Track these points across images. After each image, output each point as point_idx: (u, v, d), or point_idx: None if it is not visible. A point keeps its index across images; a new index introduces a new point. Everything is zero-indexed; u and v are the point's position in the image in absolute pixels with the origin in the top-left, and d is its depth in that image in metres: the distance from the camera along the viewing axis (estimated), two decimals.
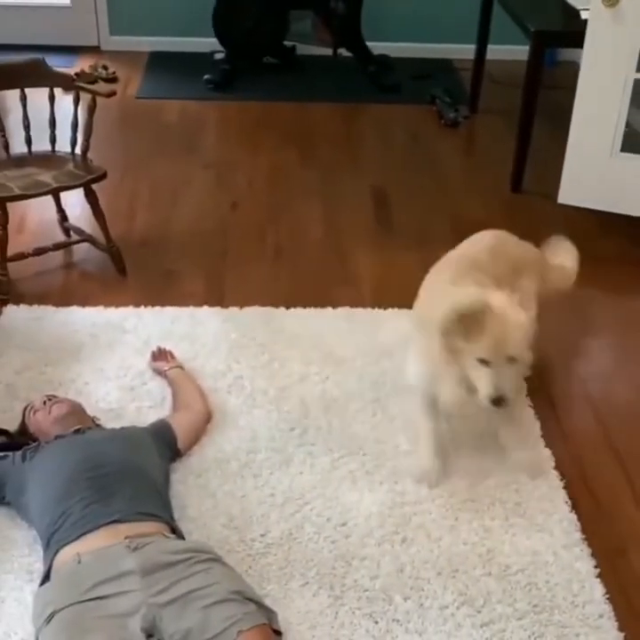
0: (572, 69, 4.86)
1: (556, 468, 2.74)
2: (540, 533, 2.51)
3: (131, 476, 2.38)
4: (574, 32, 3.97)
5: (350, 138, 5.15)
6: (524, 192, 4.44)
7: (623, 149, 3.92)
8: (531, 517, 2.56)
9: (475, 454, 2.78)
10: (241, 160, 4.73)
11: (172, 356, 3.10)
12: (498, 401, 2.37)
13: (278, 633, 2.11)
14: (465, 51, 5.51)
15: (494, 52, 5.25)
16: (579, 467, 2.77)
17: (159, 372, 3.04)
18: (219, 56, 5.82)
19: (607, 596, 2.34)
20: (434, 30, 6.01)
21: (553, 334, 3.38)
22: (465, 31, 5.48)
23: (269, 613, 2.12)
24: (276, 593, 2.31)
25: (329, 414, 2.92)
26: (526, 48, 4.26)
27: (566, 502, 2.62)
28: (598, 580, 2.39)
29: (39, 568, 2.31)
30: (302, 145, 4.93)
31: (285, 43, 5.92)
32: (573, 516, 2.57)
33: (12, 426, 2.73)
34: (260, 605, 2.11)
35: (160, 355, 3.10)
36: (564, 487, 2.67)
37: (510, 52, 5.37)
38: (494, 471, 2.72)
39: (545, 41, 4.24)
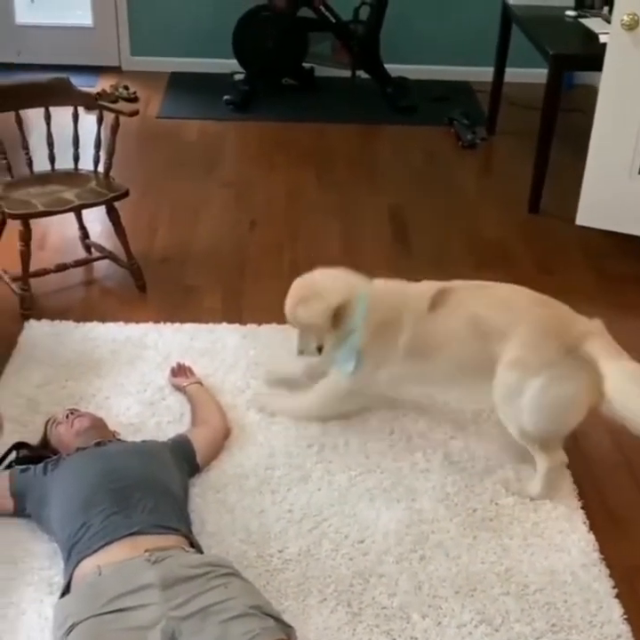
0: (589, 92, 4.91)
1: (574, 488, 2.75)
2: (559, 553, 2.52)
3: (151, 488, 2.39)
4: (593, 55, 4.01)
5: (368, 158, 5.18)
6: (541, 213, 4.46)
7: None
8: (549, 537, 2.57)
9: (493, 470, 2.79)
10: (259, 179, 4.77)
11: (191, 372, 3.12)
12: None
13: None
14: (483, 73, 5.56)
15: (512, 74, 5.29)
16: (596, 487, 2.77)
17: (178, 388, 3.07)
18: (238, 77, 5.88)
19: (625, 616, 2.34)
20: (452, 53, 6.07)
21: None
22: (483, 54, 5.52)
23: (287, 629, 2.13)
24: (293, 609, 2.32)
25: (347, 431, 2.94)
26: (544, 71, 4.30)
27: (584, 522, 2.62)
28: (616, 600, 2.38)
29: (59, 581, 2.33)
30: (320, 165, 4.97)
31: (304, 64, 5.99)
32: (591, 537, 2.57)
33: (34, 439, 2.76)
34: (278, 620, 2.11)
35: (179, 370, 3.13)
36: (582, 507, 2.68)
37: (528, 74, 5.41)
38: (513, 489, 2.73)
39: (564, 64, 4.28)
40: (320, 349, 2.91)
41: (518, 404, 2.60)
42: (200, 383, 3.06)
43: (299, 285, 2.90)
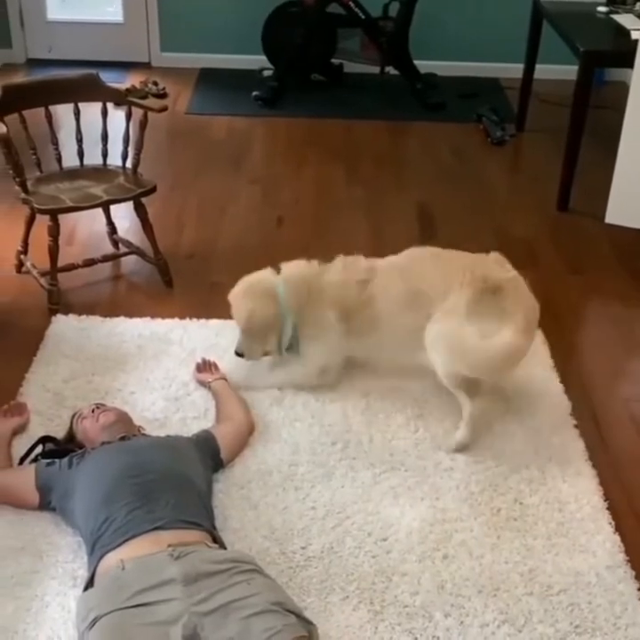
0: (621, 89, 4.85)
1: (600, 488, 2.72)
2: (583, 554, 2.49)
3: (174, 483, 2.40)
4: (624, 52, 3.97)
5: (396, 155, 5.17)
6: (570, 211, 4.43)
7: None
8: (574, 537, 2.54)
9: (518, 470, 2.77)
10: (287, 176, 4.78)
11: (216, 368, 3.13)
12: (239, 354, 3.13)
13: None
14: (512, 70, 5.52)
15: (542, 71, 5.25)
16: (622, 487, 2.75)
17: (203, 384, 3.07)
18: (267, 73, 5.89)
19: None
20: (481, 49, 6.03)
21: (596, 354, 3.36)
22: (512, 50, 5.48)
23: (309, 626, 2.13)
24: (315, 606, 2.32)
25: (371, 429, 2.93)
26: (574, 67, 4.26)
27: (610, 523, 2.59)
28: None
29: (83, 574, 2.35)
30: (348, 161, 4.96)
31: (333, 60, 5.98)
32: (617, 538, 2.55)
33: (60, 433, 2.78)
34: (300, 617, 2.11)
35: (204, 366, 3.14)
36: (608, 508, 2.65)
37: (558, 71, 5.36)
38: (538, 489, 2.71)
39: (594, 61, 4.24)
40: (266, 354, 3.15)
41: (442, 346, 2.83)
42: (225, 379, 3.07)
43: (248, 292, 3.10)
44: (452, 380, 2.88)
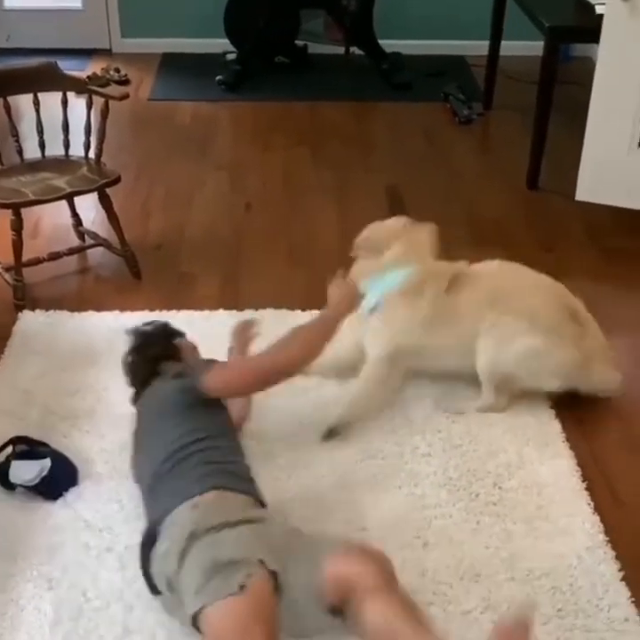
0: (587, 65, 4.84)
1: (577, 469, 2.71)
2: (563, 536, 2.48)
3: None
4: (589, 27, 3.93)
5: (363, 136, 5.12)
6: (540, 189, 4.41)
7: None
8: (553, 520, 2.53)
9: (496, 454, 2.76)
10: (254, 161, 4.72)
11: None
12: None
13: None
14: (478, 47, 5.47)
15: (508, 48, 5.21)
16: (601, 468, 2.74)
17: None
18: (230, 56, 5.80)
19: (632, 599, 2.30)
20: (446, 27, 5.97)
21: None
22: (478, 27, 5.43)
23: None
24: None
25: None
26: (540, 43, 4.23)
27: (589, 504, 2.59)
28: (623, 582, 2.34)
29: (58, 576, 2.31)
30: (315, 144, 4.91)
31: (297, 42, 5.90)
32: (596, 519, 2.54)
33: (30, 433, 2.71)
34: None
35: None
36: (586, 488, 2.64)
37: (524, 47, 5.32)
38: (516, 472, 2.69)
39: (560, 36, 4.20)
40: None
41: (507, 347, 2.83)
42: None
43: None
44: (497, 380, 2.90)
